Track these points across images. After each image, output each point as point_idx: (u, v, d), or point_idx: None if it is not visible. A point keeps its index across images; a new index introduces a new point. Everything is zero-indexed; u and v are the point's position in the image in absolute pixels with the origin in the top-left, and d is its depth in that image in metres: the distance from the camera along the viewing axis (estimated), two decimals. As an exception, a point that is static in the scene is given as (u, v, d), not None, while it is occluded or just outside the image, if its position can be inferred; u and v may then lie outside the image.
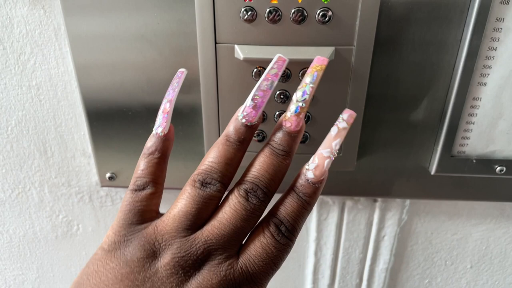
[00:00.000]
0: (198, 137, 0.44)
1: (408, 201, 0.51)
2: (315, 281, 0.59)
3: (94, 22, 0.38)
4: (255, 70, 0.37)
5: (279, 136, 0.26)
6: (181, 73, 0.31)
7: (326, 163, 0.26)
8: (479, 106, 0.40)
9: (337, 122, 0.26)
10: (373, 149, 0.44)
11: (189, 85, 0.41)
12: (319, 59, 0.27)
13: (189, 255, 0.24)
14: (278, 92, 0.38)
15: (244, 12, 0.35)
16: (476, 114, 0.41)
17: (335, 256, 0.56)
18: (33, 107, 0.45)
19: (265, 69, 0.37)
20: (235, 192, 0.26)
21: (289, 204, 0.25)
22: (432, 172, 0.44)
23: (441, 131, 0.42)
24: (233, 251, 0.25)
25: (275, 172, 0.26)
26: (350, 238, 0.54)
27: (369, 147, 0.44)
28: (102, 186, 0.48)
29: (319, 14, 0.35)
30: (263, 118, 0.40)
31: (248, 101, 0.27)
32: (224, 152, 0.26)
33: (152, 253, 0.24)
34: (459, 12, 0.37)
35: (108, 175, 0.47)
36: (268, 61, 0.37)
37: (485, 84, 0.39)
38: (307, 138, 0.41)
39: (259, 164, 0.26)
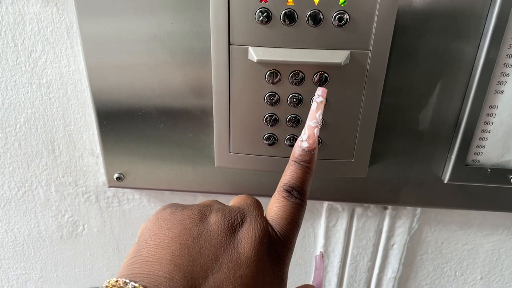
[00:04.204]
0: (208, 140, 0.44)
1: (419, 210, 0.50)
2: (321, 288, 0.58)
3: (106, 21, 0.38)
4: (269, 72, 0.37)
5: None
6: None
7: (315, 131, 0.30)
8: (495, 114, 0.39)
9: (314, 98, 0.32)
10: (386, 156, 0.44)
11: (201, 87, 0.41)
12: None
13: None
14: (290, 96, 0.38)
15: (259, 13, 0.34)
16: (492, 122, 0.40)
17: (342, 263, 0.55)
18: (43, 105, 0.45)
19: (278, 71, 0.37)
20: None
21: (294, 172, 0.29)
22: (446, 181, 0.43)
23: (455, 139, 0.41)
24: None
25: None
26: (358, 245, 0.53)
27: (382, 154, 0.44)
28: (110, 186, 0.48)
29: (335, 17, 0.34)
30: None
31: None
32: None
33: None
34: (477, 19, 0.36)
35: (116, 175, 0.47)
36: (282, 63, 0.36)
37: (502, 92, 0.38)
38: (319, 143, 0.40)
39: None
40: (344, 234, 0.52)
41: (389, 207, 0.50)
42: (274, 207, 0.29)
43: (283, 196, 0.29)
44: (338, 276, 0.56)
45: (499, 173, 0.42)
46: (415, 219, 0.51)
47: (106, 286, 0.23)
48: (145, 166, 0.46)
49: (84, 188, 0.51)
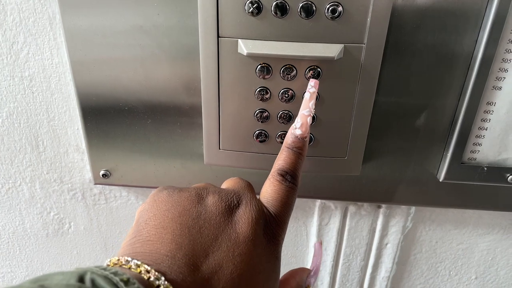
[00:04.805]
0: (197, 136, 0.42)
1: (413, 208, 0.49)
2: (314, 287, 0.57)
3: (90, 11, 0.36)
4: (259, 66, 0.35)
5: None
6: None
7: (308, 120, 0.31)
8: (493, 111, 0.38)
9: (308, 89, 0.32)
10: (380, 153, 0.43)
11: (189, 81, 0.39)
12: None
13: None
14: (282, 91, 0.36)
15: (249, 4, 0.33)
16: (490, 119, 0.39)
17: (335, 262, 0.54)
18: (25, 99, 0.43)
19: (269, 66, 0.35)
20: None
21: (288, 158, 0.30)
22: (441, 179, 0.42)
23: (451, 137, 0.40)
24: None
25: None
26: (351, 244, 0.52)
27: (376, 151, 0.42)
28: (96, 183, 0.46)
29: (328, 9, 0.33)
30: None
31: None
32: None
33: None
34: (475, 13, 0.35)
35: (102, 172, 0.45)
36: (273, 57, 0.35)
37: (500, 88, 0.37)
38: (312, 140, 0.39)
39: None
40: (337, 233, 0.51)
41: (383, 205, 0.49)
42: (269, 190, 0.30)
43: (277, 180, 0.30)
44: (330, 275, 0.55)
45: (495, 171, 0.41)
46: (409, 218, 0.50)
47: (108, 265, 0.23)
48: (132, 162, 0.45)
49: (69, 185, 0.49)
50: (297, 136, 0.31)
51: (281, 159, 0.31)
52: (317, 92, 0.36)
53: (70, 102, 0.43)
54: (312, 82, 0.33)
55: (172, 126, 0.42)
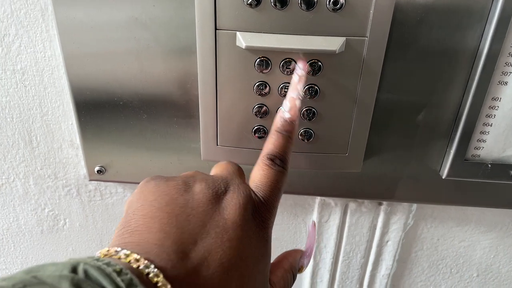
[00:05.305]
0: (194, 132, 0.41)
1: (415, 206, 0.48)
2: (313, 285, 0.56)
3: (84, 2, 0.35)
4: (258, 60, 0.34)
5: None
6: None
7: (297, 103, 0.31)
8: (498, 107, 0.37)
9: (296, 71, 0.32)
10: (381, 150, 0.42)
11: (186, 75, 0.38)
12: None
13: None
14: (281, 85, 0.35)
15: (248, -5, 0.32)
16: (495, 115, 0.38)
17: (335, 260, 0.53)
18: (18, 93, 0.42)
19: (269, 59, 0.34)
20: None
21: (277, 142, 0.30)
22: (444, 176, 0.41)
23: (455, 133, 0.39)
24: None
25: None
26: (351, 242, 0.51)
27: (377, 147, 0.41)
28: (90, 180, 0.45)
29: (330, 0, 0.31)
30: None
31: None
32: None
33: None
34: (481, 7, 0.34)
35: (97, 168, 0.44)
36: (273, 50, 0.34)
37: (506, 83, 0.36)
38: (312, 136, 0.38)
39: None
40: (337, 230, 0.50)
41: (384, 203, 0.48)
42: (258, 175, 0.30)
43: (266, 164, 0.30)
44: (330, 272, 0.54)
45: (500, 168, 0.40)
46: (411, 215, 0.49)
47: (98, 256, 0.23)
48: (128, 158, 0.43)
49: (64, 181, 0.48)
50: (286, 119, 0.31)
51: (270, 143, 0.31)
52: (317, 87, 0.35)
53: (63, 96, 0.42)
54: (301, 64, 0.33)
55: (169, 121, 0.41)
